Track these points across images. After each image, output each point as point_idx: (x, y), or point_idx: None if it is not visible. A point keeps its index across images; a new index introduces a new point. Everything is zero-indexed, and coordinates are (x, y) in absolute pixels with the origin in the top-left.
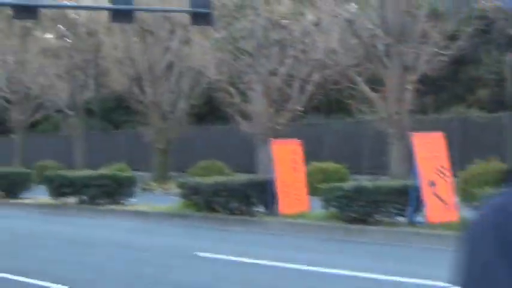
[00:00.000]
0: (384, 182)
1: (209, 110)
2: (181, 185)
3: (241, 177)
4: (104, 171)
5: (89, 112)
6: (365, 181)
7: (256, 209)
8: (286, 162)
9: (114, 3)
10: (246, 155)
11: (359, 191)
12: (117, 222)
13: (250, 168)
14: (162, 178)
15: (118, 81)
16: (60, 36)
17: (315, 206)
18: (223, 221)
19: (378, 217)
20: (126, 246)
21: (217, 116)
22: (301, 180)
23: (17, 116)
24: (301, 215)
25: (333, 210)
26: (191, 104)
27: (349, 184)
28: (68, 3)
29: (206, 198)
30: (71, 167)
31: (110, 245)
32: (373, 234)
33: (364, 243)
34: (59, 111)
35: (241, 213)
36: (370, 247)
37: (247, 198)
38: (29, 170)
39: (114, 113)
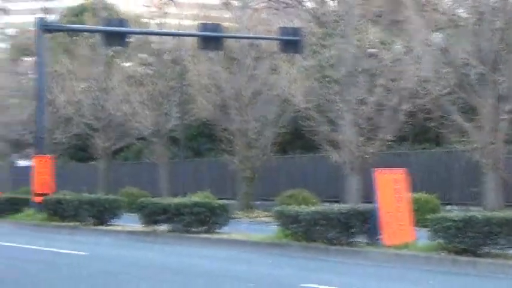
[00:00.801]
0: (495, 213)
1: (293, 139)
2: (279, 214)
3: (344, 206)
4: (195, 198)
5: (172, 139)
6: (457, 211)
7: (357, 239)
8: (390, 191)
9: (202, 31)
10: (332, 184)
11: (468, 221)
12: (212, 251)
13: (336, 197)
14: (247, 207)
15: (203, 109)
16: (145, 64)
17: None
18: (323, 251)
19: (487, 249)
20: (230, 276)
21: (300, 144)
22: (405, 210)
23: (100, 143)
24: (405, 246)
25: (439, 241)
26: (277, 132)
27: (457, 215)
28: (157, 30)
29: (305, 227)
30: (153, 194)
31: (215, 276)
32: (482, 266)
33: (473, 276)
34: (142, 138)
35: (341, 243)
36: (479, 279)
37: (348, 227)
38: (119, 197)
39: (197, 140)
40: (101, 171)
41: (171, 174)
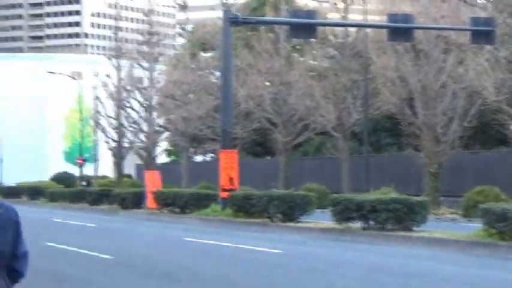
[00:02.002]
0: None
1: (475, 133)
2: (485, 212)
3: None
4: (392, 195)
5: (351, 134)
6: None
7: None
8: None
9: (391, 22)
10: None
11: None
12: (413, 250)
13: None
14: (433, 203)
15: (388, 102)
16: (328, 57)
17: None
18: None
19: None
20: (443, 277)
21: (483, 138)
22: None
23: (280, 138)
24: None
25: None
26: (464, 126)
27: None
28: (346, 22)
29: None
30: (333, 190)
31: (427, 277)
32: None
33: None
34: (322, 133)
35: None
36: None
37: None
38: (310, 193)
39: (377, 135)
40: (280, 166)
41: (352, 169)
